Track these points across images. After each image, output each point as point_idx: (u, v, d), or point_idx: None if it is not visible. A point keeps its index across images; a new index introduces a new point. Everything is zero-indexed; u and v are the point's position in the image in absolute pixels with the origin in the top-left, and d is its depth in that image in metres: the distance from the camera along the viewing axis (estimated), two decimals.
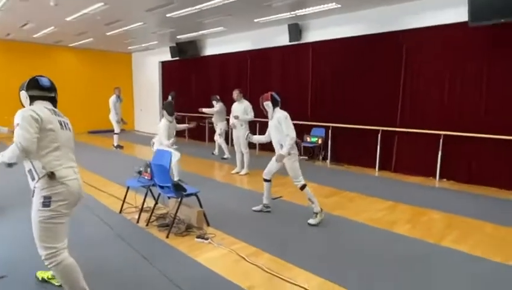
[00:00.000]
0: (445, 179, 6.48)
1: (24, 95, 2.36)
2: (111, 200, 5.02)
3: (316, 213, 4.20)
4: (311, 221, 4.18)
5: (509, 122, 5.74)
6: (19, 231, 3.59)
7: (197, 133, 11.19)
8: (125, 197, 4.57)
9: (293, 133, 4.11)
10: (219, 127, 8.29)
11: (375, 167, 7.29)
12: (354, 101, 7.65)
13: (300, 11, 7.33)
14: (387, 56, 7.08)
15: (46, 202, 2.19)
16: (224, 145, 8.31)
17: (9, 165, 2.12)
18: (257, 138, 4.80)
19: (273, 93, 4.37)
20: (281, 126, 4.16)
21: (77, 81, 13.06)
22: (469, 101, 6.16)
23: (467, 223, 4.33)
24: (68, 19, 8.19)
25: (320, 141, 8.07)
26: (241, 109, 6.75)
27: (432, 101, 6.60)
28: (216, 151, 8.84)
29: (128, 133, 13.01)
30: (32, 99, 2.33)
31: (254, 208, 4.69)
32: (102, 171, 6.87)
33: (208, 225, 4.11)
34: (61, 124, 2.32)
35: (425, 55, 6.61)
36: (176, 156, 5.61)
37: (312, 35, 8.28)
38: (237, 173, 6.91)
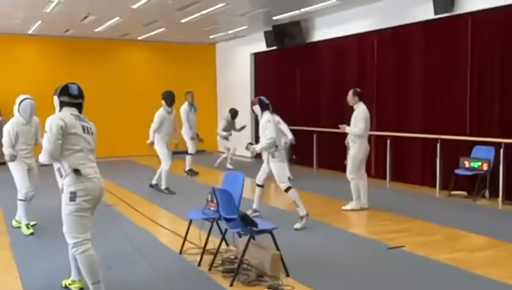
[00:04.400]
0: None
1: (56, 100, 3.91)
2: (172, 238, 6.05)
3: (302, 217, 6.30)
4: (297, 225, 6.29)
5: None
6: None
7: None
8: (186, 234, 5.51)
9: (272, 134, 6.37)
10: None
11: None
12: None
13: None
14: None
15: (72, 197, 3.66)
16: None
17: (43, 165, 3.76)
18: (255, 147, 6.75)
19: (262, 97, 6.89)
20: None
21: (147, 80, 15.30)
22: None
23: None
24: (134, 6, 10.00)
25: (485, 168, 7.95)
26: (353, 117, 7.31)
27: None
28: None
29: (209, 156, 14.55)
30: (62, 104, 3.88)
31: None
32: (167, 203, 8.14)
33: (287, 274, 4.72)
34: (83, 129, 3.83)
35: None
36: (167, 162, 8.70)
37: (471, 2, 8.39)
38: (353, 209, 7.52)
